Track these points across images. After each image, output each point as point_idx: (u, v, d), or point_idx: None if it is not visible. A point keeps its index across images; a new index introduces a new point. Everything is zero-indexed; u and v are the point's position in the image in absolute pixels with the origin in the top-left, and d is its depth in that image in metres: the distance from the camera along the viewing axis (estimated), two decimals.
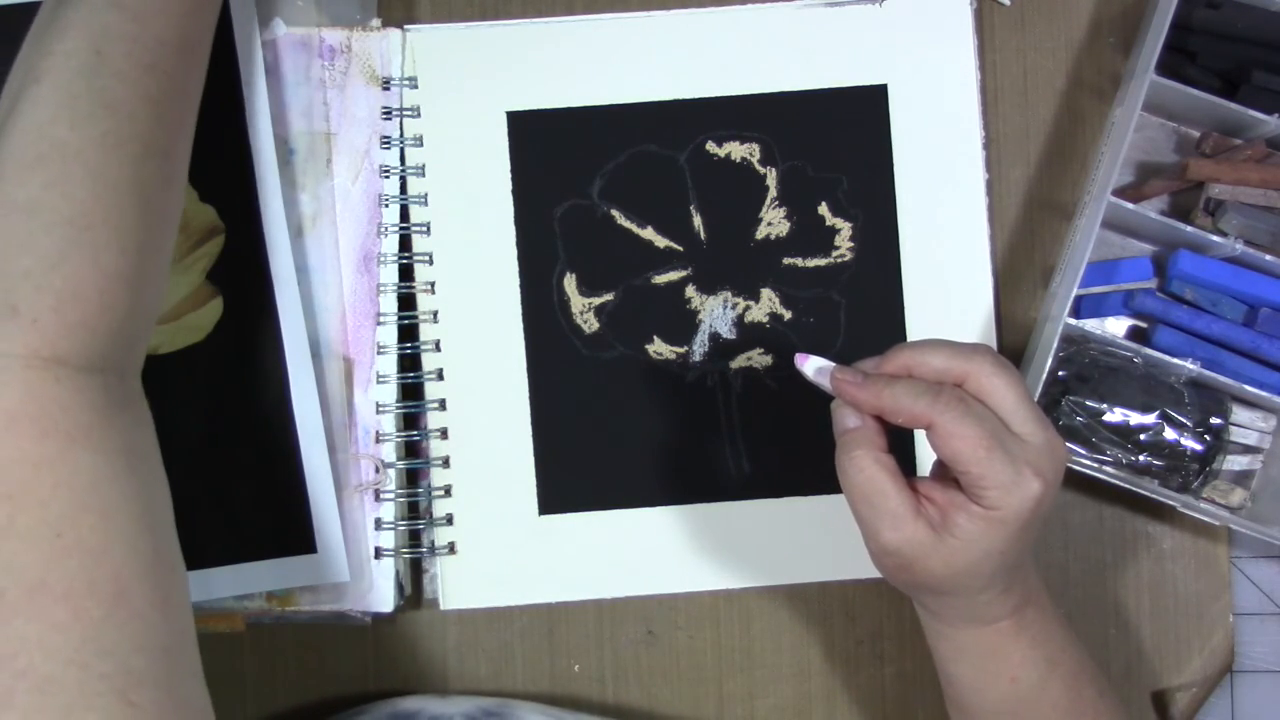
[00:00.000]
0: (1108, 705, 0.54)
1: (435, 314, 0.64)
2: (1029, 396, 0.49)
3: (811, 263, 0.64)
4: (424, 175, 0.64)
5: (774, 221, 0.64)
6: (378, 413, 0.63)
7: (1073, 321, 0.60)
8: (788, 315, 0.64)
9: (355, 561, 0.61)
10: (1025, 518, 0.47)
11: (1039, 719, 0.53)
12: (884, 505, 0.48)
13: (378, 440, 0.63)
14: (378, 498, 0.63)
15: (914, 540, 0.48)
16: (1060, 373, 0.61)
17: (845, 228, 0.64)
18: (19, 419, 0.43)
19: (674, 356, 0.64)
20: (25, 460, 0.43)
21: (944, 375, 0.49)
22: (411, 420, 0.64)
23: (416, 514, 0.64)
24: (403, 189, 0.64)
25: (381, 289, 0.63)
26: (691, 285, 0.64)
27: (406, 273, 0.64)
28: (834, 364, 0.51)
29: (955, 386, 0.48)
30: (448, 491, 0.64)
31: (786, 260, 0.64)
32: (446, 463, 0.64)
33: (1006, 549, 0.48)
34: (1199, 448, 0.61)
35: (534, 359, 0.64)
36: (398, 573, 0.63)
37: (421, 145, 0.64)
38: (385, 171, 0.64)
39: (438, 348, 0.64)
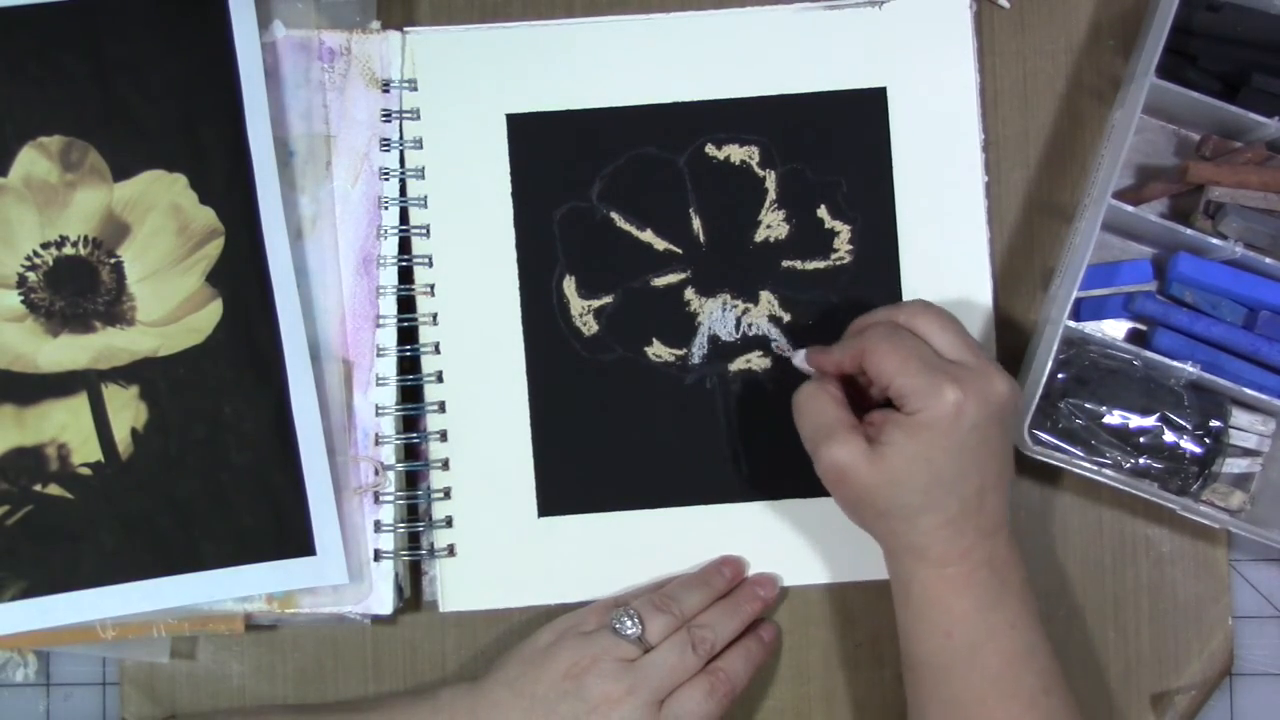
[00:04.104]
0: (1051, 704, 0.54)
1: (434, 316, 0.64)
2: (962, 334, 0.55)
3: (810, 265, 0.64)
4: (423, 178, 0.64)
5: (773, 224, 0.64)
6: (377, 415, 0.63)
7: (1072, 324, 0.60)
8: (787, 318, 0.64)
9: (354, 564, 0.61)
10: (945, 424, 0.52)
11: (968, 686, 0.54)
12: (822, 419, 0.55)
13: (377, 442, 0.63)
14: (377, 500, 0.63)
15: (848, 450, 0.53)
16: (1060, 375, 0.61)
17: (844, 230, 0.64)
18: None
19: (673, 359, 0.64)
20: None
21: (876, 320, 0.56)
22: (411, 422, 0.64)
23: (416, 516, 0.64)
24: (402, 191, 0.64)
25: (381, 291, 0.63)
26: (690, 288, 0.64)
27: (406, 275, 0.64)
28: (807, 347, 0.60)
29: (886, 323, 0.55)
30: (447, 494, 0.64)
31: (785, 263, 0.64)
32: (446, 465, 0.64)
33: (931, 456, 0.52)
34: (1198, 450, 0.61)
35: (533, 361, 0.64)
36: (397, 575, 0.63)
37: (421, 148, 0.64)
38: (385, 174, 0.64)
39: (437, 350, 0.64)
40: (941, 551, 0.54)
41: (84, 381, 0.60)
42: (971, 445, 0.53)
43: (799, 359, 0.60)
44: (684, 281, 0.64)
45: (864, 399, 0.58)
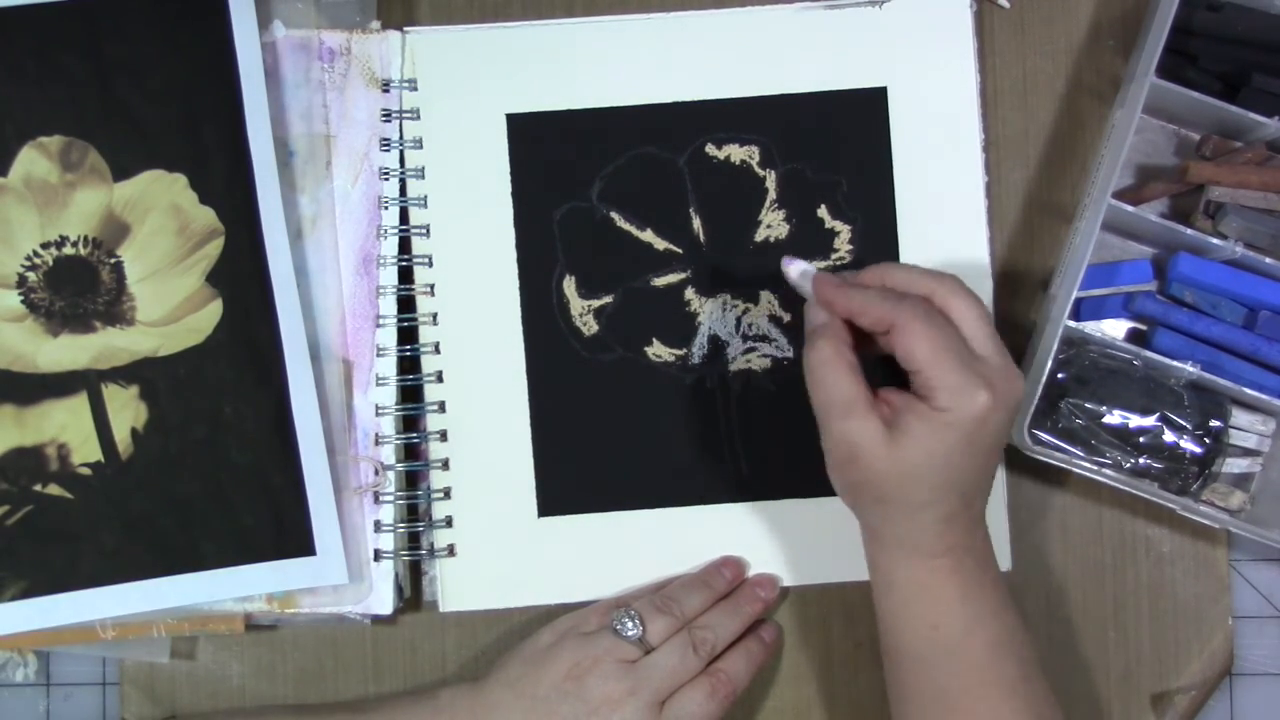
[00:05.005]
0: (1030, 691, 0.54)
1: (434, 316, 0.64)
2: (990, 324, 0.52)
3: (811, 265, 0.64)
4: (423, 178, 0.64)
5: (773, 224, 0.64)
6: (377, 415, 0.63)
7: (1072, 324, 0.60)
8: (787, 318, 0.64)
9: (354, 564, 0.61)
10: (971, 426, 0.50)
11: (953, 675, 0.54)
12: (839, 390, 0.52)
13: (377, 442, 0.63)
14: (377, 500, 0.63)
15: (864, 430, 0.51)
16: (1060, 375, 0.61)
17: (844, 230, 0.64)
18: None
19: (673, 359, 0.64)
20: None
21: (911, 289, 0.53)
22: (411, 422, 0.64)
23: (416, 516, 0.64)
24: (402, 191, 0.64)
25: (381, 291, 0.63)
26: (691, 288, 0.64)
27: (406, 275, 0.64)
28: (816, 269, 0.56)
29: (922, 298, 0.52)
30: (447, 494, 0.64)
31: None
32: (446, 465, 0.64)
33: (950, 456, 0.50)
34: (1198, 450, 0.61)
35: (533, 361, 0.64)
36: (397, 575, 0.63)
37: (421, 148, 0.64)
38: (385, 174, 0.64)
39: (437, 350, 0.64)
40: (933, 544, 0.53)
41: (84, 381, 0.60)
42: (987, 447, 0.52)
43: (795, 270, 0.56)
44: (684, 281, 0.64)
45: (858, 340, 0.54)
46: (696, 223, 0.64)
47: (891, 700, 0.57)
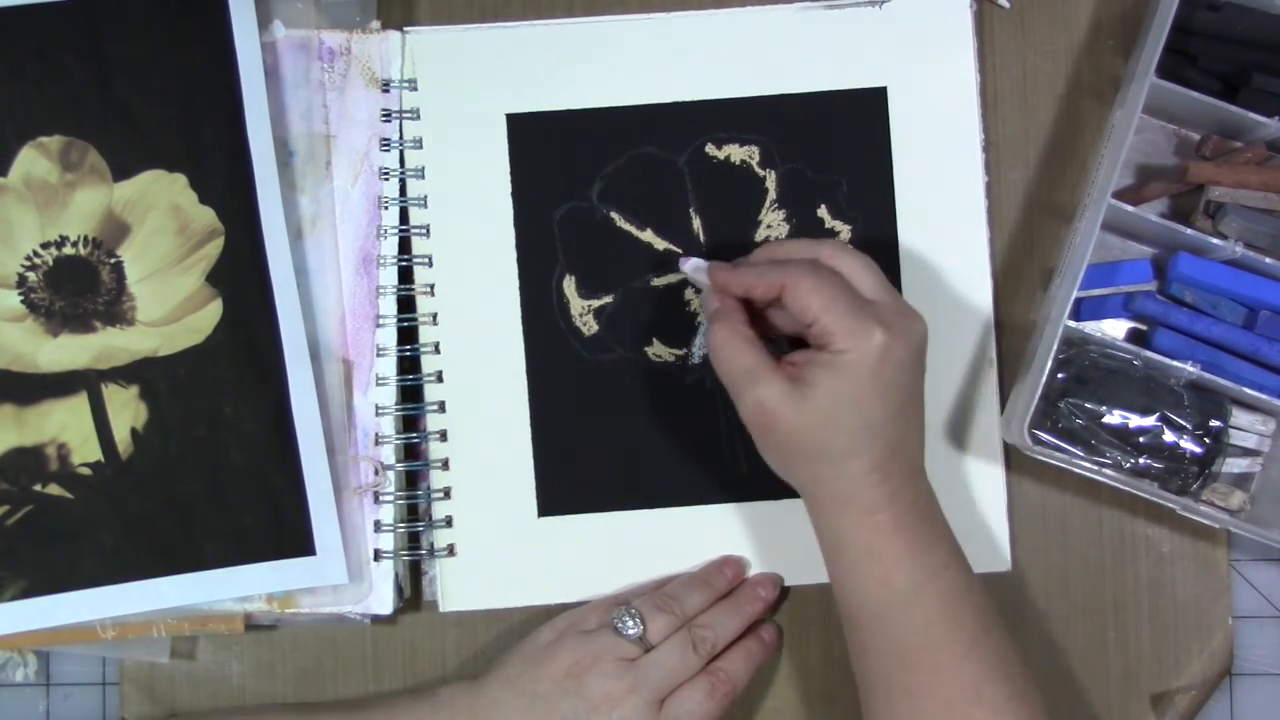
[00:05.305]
0: (991, 642, 0.54)
1: (434, 316, 0.64)
2: (879, 274, 0.55)
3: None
4: (423, 178, 0.64)
5: (773, 224, 0.64)
6: (377, 415, 0.63)
7: (1072, 324, 0.60)
8: None
9: (354, 564, 0.61)
10: (872, 364, 0.52)
11: (911, 631, 0.54)
12: (742, 362, 0.54)
13: (377, 442, 0.63)
14: (377, 500, 0.63)
15: (770, 390, 0.53)
16: (1060, 375, 0.61)
17: (844, 230, 0.64)
18: None
19: (673, 359, 0.64)
20: None
21: (797, 255, 0.56)
22: (411, 422, 0.64)
23: (416, 516, 0.64)
24: (402, 191, 0.64)
25: (381, 291, 0.63)
26: (691, 288, 0.64)
27: (406, 275, 0.64)
28: (710, 261, 0.59)
29: (808, 260, 0.55)
30: (447, 494, 0.64)
31: None
32: (446, 465, 0.64)
33: (858, 397, 0.52)
34: (1198, 450, 0.61)
35: (533, 361, 0.64)
36: (397, 575, 0.63)
37: (421, 148, 0.64)
38: (385, 174, 0.64)
39: (437, 350, 0.64)
40: (871, 498, 0.54)
41: (84, 381, 0.60)
42: (898, 386, 0.53)
43: (689, 266, 0.60)
44: (684, 281, 0.64)
45: (758, 327, 0.57)
46: (696, 223, 0.64)
47: (856, 672, 0.57)
